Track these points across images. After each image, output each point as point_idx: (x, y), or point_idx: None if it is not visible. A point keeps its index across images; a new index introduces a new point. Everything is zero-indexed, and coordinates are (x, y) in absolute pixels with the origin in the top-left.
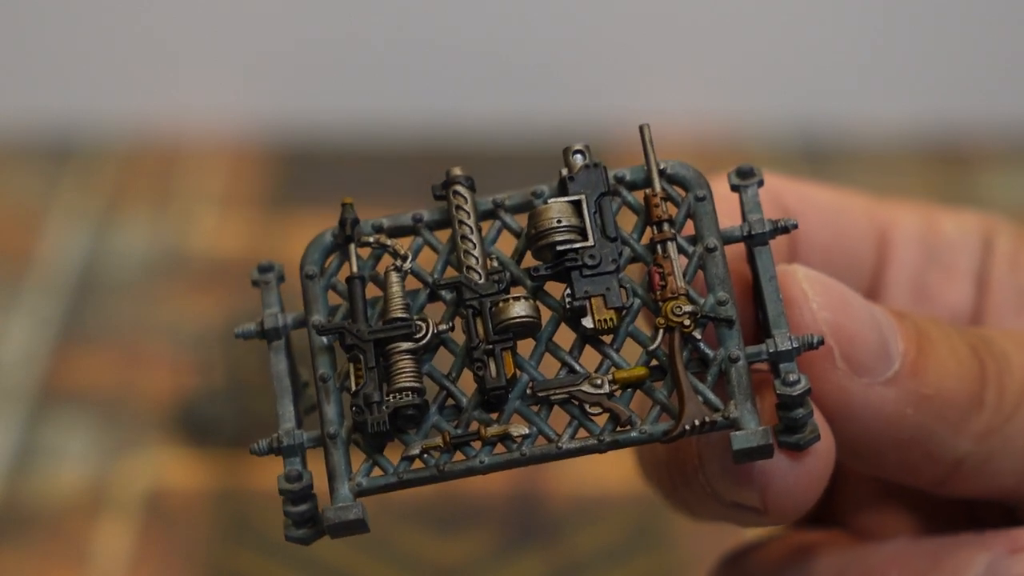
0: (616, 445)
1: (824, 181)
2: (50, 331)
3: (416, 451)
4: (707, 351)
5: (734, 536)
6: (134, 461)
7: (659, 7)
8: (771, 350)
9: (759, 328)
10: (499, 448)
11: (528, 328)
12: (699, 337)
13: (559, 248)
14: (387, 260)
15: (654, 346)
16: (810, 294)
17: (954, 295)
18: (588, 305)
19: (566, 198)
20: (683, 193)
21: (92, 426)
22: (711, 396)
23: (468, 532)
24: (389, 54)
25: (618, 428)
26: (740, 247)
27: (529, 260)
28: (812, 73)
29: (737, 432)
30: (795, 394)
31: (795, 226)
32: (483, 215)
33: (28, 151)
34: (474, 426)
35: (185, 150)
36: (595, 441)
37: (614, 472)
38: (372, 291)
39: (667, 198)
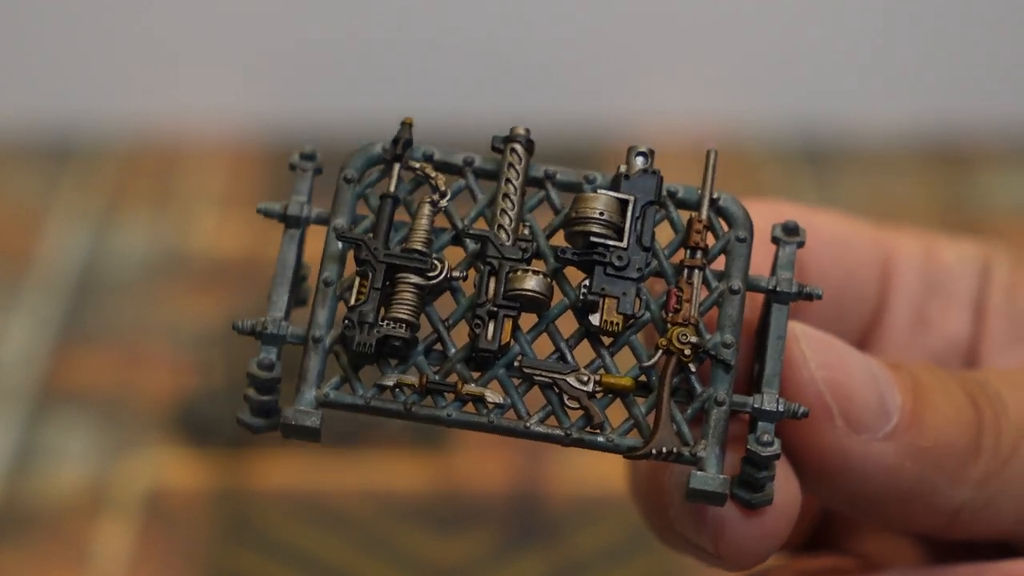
0: (580, 444)
1: (824, 181)
2: (50, 331)
3: (390, 383)
4: (696, 385)
5: None
6: (134, 461)
7: (659, 7)
8: (756, 406)
9: (750, 379)
10: (469, 408)
11: (536, 304)
12: (693, 370)
13: (592, 239)
14: (425, 191)
15: (649, 363)
16: (808, 355)
17: (952, 324)
18: (601, 303)
19: (616, 194)
20: (726, 228)
21: (92, 426)
22: (685, 429)
23: (468, 532)
24: (389, 54)
25: (588, 428)
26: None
27: (558, 240)
28: (812, 73)
29: (697, 472)
30: (764, 455)
31: (819, 296)
32: (531, 181)
33: (28, 151)
34: (452, 379)
35: (185, 150)
36: (562, 433)
37: (614, 472)
38: (401, 216)
39: (710, 227)
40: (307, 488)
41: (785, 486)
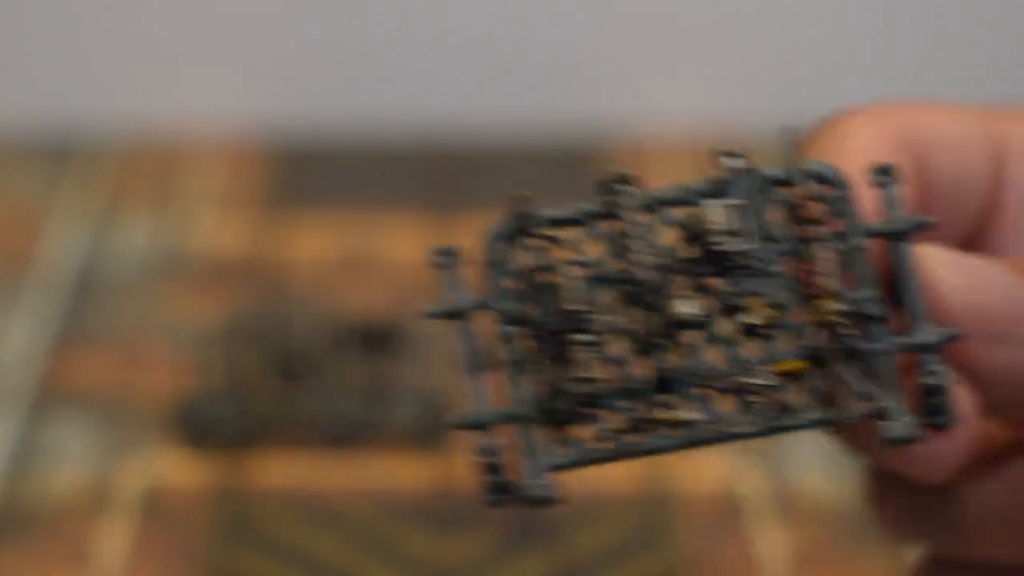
0: (782, 430)
1: None
2: (50, 331)
3: (600, 432)
4: (856, 345)
5: (733, 535)
6: (134, 461)
7: (659, 7)
8: (915, 342)
9: (899, 318)
10: (674, 431)
11: (694, 323)
12: (850, 332)
13: (722, 250)
14: (556, 249)
15: (809, 342)
16: (947, 282)
17: None
18: (750, 302)
19: (727, 201)
20: (828, 191)
21: (92, 426)
22: (865, 387)
23: (468, 532)
24: (389, 54)
25: (781, 416)
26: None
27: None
28: (812, 73)
29: (886, 422)
30: (936, 384)
31: (934, 224)
32: (644, 207)
33: (28, 151)
34: (648, 411)
35: (185, 150)
36: (765, 426)
37: (614, 472)
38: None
39: (814, 197)
40: (307, 488)
41: (960, 396)
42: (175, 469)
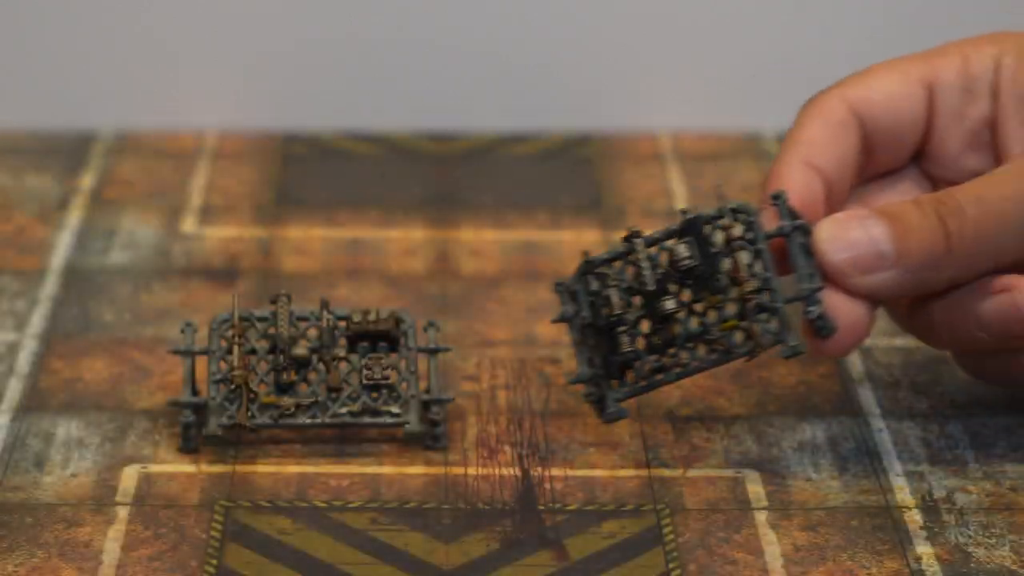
0: (731, 358)
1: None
2: (48, 331)
3: (638, 376)
4: (767, 304)
5: (734, 535)
6: (134, 461)
7: (659, 9)
8: (799, 296)
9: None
10: (679, 369)
11: (674, 312)
12: (760, 298)
13: (686, 268)
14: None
15: (738, 308)
16: (826, 247)
17: (977, 111)
18: (706, 294)
19: (686, 240)
20: (743, 217)
21: (92, 426)
22: (773, 328)
23: (468, 533)
24: (389, 55)
25: (728, 352)
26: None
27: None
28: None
29: (786, 345)
30: (812, 318)
31: (809, 229)
32: (648, 245)
33: (28, 151)
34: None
35: (185, 150)
36: (720, 359)
37: (614, 472)
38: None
39: (732, 224)
40: (307, 488)
41: (849, 309)
42: (175, 469)
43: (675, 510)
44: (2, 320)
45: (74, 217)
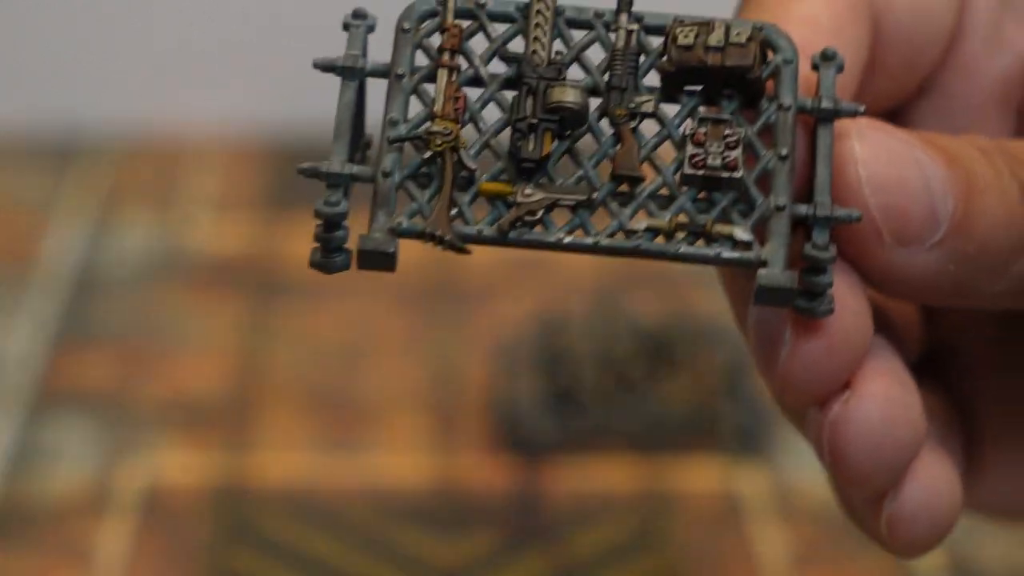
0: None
1: None
2: (50, 331)
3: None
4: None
5: (734, 535)
6: (134, 461)
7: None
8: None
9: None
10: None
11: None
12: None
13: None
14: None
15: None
16: (863, 176)
17: (1021, 35)
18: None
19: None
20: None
21: (92, 426)
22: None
23: (468, 532)
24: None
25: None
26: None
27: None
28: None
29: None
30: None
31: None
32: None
33: (29, 151)
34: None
35: (185, 150)
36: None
37: (614, 472)
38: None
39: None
40: (307, 488)
41: (850, 299)
42: (175, 469)
43: (676, 509)
44: (5, 320)
45: (77, 216)
